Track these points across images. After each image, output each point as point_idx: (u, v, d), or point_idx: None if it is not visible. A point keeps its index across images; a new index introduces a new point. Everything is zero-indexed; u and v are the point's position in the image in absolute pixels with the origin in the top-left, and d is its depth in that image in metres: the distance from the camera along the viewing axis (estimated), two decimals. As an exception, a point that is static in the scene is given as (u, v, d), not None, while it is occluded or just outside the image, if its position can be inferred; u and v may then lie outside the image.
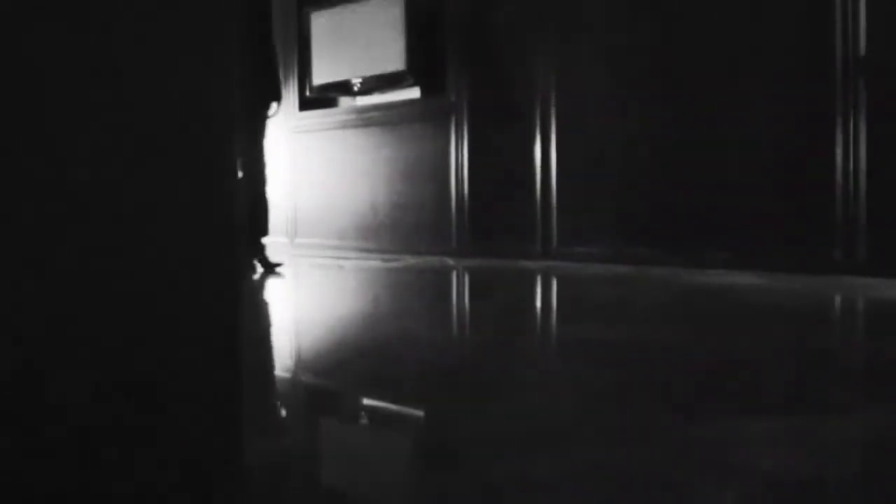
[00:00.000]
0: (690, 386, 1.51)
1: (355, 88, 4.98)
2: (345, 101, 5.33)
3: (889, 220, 3.03)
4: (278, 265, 3.86)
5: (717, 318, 2.38)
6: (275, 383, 1.67)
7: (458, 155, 4.41)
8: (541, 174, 4.09)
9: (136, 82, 0.62)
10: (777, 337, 2.06)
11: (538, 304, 2.91)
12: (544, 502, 0.94)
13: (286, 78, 5.40)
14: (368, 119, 4.91)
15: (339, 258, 4.87)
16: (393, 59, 4.68)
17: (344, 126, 5.07)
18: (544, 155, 4.07)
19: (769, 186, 3.31)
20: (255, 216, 3.75)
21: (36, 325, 0.57)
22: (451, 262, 4.08)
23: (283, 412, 1.48)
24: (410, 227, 4.66)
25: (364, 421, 1.40)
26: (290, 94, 5.39)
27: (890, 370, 1.65)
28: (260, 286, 3.38)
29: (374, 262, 4.52)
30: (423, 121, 4.57)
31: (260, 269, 3.83)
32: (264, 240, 3.89)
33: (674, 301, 2.65)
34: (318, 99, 5.31)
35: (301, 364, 1.92)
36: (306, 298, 3.25)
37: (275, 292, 3.32)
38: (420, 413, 1.47)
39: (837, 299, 2.80)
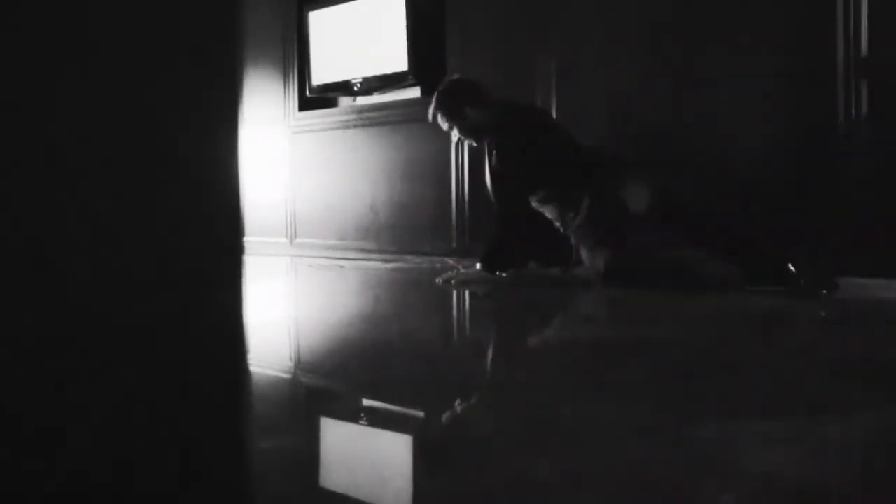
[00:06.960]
0: (689, 386, 1.51)
1: (355, 88, 4.97)
2: (345, 101, 5.33)
3: (892, 220, 3.03)
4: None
5: (715, 317, 2.37)
6: (275, 382, 1.67)
7: (459, 155, 4.41)
8: (541, 174, 4.07)
9: (142, 83, 0.61)
10: (777, 338, 2.05)
11: (536, 303, 2.91)
12: (542, 502, 0.93)
13: (285, 78, 5.40)
14: (368, 119, 4.90)
15: (338, 258, 4.87)
16: (394, 59, 4.66)
17: (344, 126, 5.06)
18: (545, 155, 4.05)
19: (770, 187, 3.30)
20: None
21: (32, 323, 0.56)
22: (451, 262, 4.07)
23: (285, 412, 1.48)
24: (410, 228, 4.65)
25: (365, 421, 1.40)
26: (290, 94, 5.39)
27: (892, 371, 1.65)
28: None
29: (374, 263, 4.52)
30: (423, 121, 4.56)
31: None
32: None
33: (673, 302, 2.64)
34: (317, 99, 5.30)
35: (303, 364, 1.92)
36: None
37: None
38: (419, 412, 1.46)
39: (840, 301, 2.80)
